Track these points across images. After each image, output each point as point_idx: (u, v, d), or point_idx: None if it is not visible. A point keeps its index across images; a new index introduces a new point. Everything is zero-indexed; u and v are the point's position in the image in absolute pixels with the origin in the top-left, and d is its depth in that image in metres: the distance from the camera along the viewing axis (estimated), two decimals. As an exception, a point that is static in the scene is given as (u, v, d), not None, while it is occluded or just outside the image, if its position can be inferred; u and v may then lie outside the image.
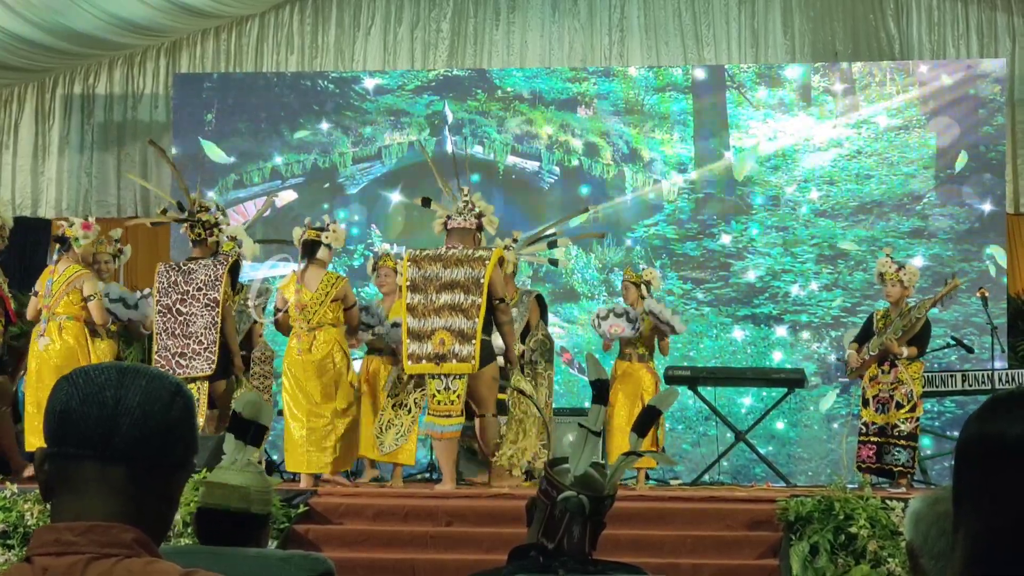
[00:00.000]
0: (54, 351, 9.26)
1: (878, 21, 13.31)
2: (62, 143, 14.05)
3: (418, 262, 8.98)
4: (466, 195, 9.22)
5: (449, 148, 13.14)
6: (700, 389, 11.03)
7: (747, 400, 12.22)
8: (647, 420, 3.52)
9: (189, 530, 6.86)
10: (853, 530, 7.58)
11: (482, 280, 8.83)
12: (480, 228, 9.18)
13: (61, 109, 14.09)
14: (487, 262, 8.88)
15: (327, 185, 13.28)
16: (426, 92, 13.33)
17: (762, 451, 11.27)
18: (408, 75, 13.49)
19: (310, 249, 9.32)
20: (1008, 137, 12.77)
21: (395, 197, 12.97)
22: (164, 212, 9.70)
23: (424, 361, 8.84)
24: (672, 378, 10.89)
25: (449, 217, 9.14)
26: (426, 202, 9.40)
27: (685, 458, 11.84)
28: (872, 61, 13.07)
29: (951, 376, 10.93)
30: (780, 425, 12.26)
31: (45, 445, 1.74)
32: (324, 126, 13.36)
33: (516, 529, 4.52)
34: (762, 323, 12.60)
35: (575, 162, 13.05)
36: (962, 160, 12.48)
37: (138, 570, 1.63)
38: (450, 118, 13.23)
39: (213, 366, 9.14)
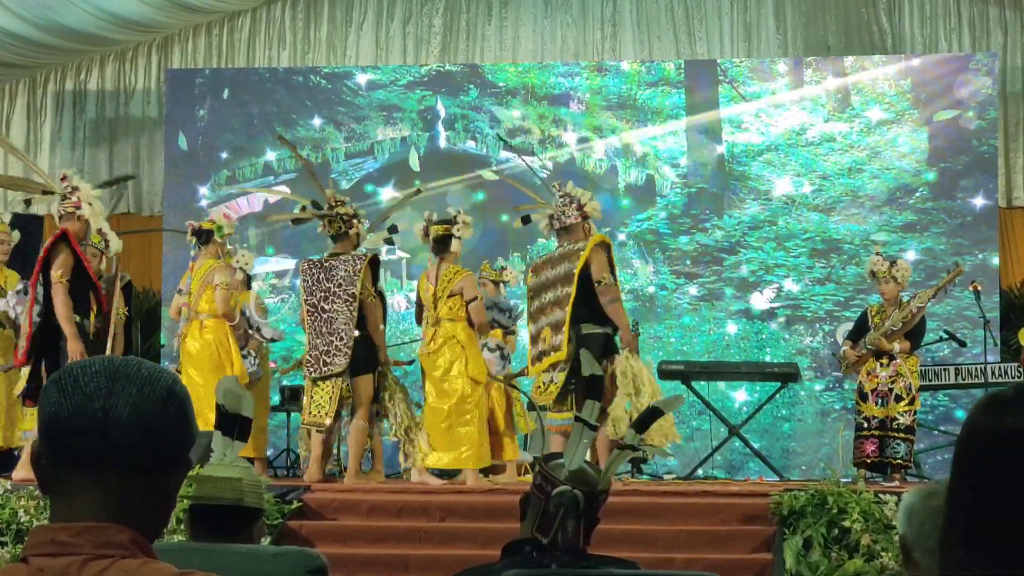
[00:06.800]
0: (194, 350, 9.19)
1: (870, 15, 13.32)
2: (54, 139, 14.03)
3: (536, 270, 9.04)
4: (560, 191, 9.10)
5: (442, 143, 13.14)
6: (693, 383, 11.04)
7: (740, 394, 12.23)
8: (648, 419, 3.52)
9: (182, 527, 6.86)
10: (846, 524, 7.59)
11: (575, 270, 8.75)
12: (586, 217, 9.06)
13: (53, 105, 14.07)
14: (584, 252, 8.78)
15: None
16: (418, 87, 13.32)
17: (756, 445, 11.29)
18: (400, 70, 13.47)
19: (443, 244, 9.27)
20: (1000, 131, 12.78)
21: (387, 193, 12.96)
22: (304, 209, 9.45)
23: (535, 362, 8.84)
24: (666, 372, 10.89)
25: (552, 217, 9.04)
26: (526, 220, 9.29)
27: (678, 453, 11.84)
28: (864, 55, 13.08)
29: (944, 370, 10.95)
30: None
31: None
32: (316, 122, 13.35)
33: (510, 524, 4.51)
34: (755, 317, 12.61)
35: (568, 157, 13.04)
36: (982, 152, 12.52)
37: (134, 570, 1.63)
38: (442, 113, 13.22)
39: (347, 360, 9.04)
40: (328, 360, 9.05)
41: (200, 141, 13.44)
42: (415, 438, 9.30)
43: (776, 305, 12.57)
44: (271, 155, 13.35)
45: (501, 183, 13.00)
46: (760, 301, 12.59)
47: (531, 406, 10.50)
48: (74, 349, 8.28)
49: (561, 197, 9.04)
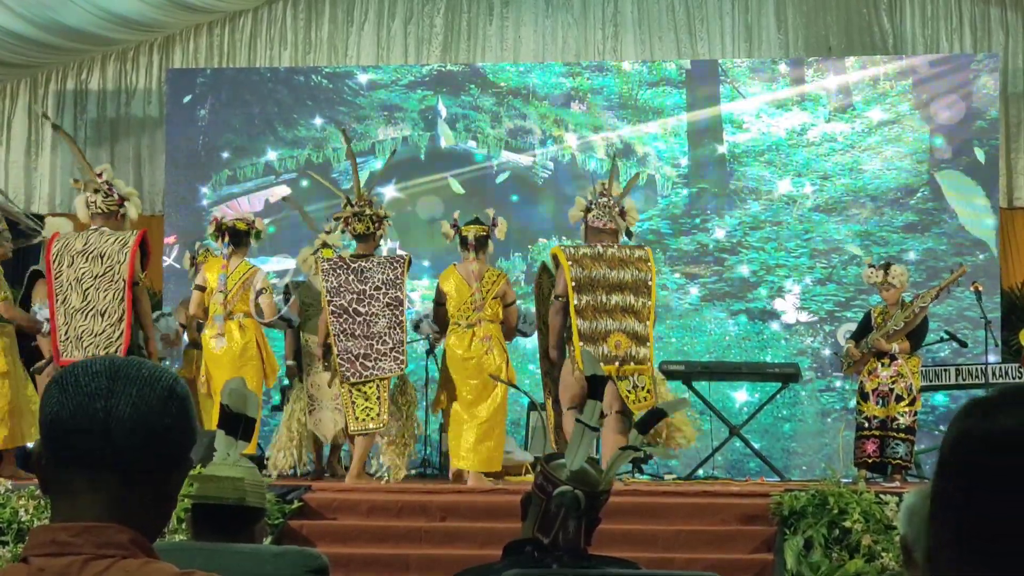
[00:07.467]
0: (236, 349, 9.18)
1: (871, 15, 13.31)
2: (55, 139, 14.01)
3: (580, 261, 8.73)
4: (604, 191, 9.03)
5: (443, 143, 13.14)
6: (694, 384, 11.03)
7: (741, 395, 12.23)
8: (651, 420, 3.52)
9: (184, 526, 6.86)
10: (847, 524, 7.59)
11: (650, 283, 8.76)
12: (627, 231, 9.07)
13: (54, 105, 14.06)
14: (648, 263, 8.83)
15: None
16: (419, 87, 13.32)
17: (756, 446, 11.28)
18: (402, 70, 13.47)
19: (483, 245, 9.26)
20: (1001, 131, 12.78)
21: (389, 192, 12.95)
22: (345, 206, 9.40)
23: (601, 363, 8.39)
24: (667, 373, 10.88)
25: (591, 213, 8.95)
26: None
27: (679, 453, 11.82)
28: (866, 55, 13.08)
29: (944, 370, 10.95)
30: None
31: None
32: (317, 121, 13.35)
33: (511, 524, 4.51)
34: (756, 318, 12.61)
35: (569, 157, 13.04)
36: (980, 155, 12.50)
37: (134, 570, 1.63)
38: (444, 113, 13.22)
39: (403, 366, 9.08)
40: (370, 364, 9.04)
41: (201, 141, 13.44)
42: (408, 448, 9.30)
43: (803, 311, 12.53)
44: (272, 155, 13.35)
45: (503, 177, 13.01)
46: (785, 305, 12.56)
47: (532, 406, 10.51)
48: (155, 350, 8.64)
49: (603, 196, 9.01)
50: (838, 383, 12.26)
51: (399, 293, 9.09)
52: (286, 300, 10.24)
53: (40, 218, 13.37)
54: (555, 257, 8.93)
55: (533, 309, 9.67)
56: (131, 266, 8.54)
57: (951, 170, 12.56)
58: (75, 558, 1.63)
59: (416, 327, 9.86)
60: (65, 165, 13.99)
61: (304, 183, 13.06)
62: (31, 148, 14.09)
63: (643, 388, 8.68)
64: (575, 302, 8.65)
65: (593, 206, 8.96)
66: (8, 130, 14.12)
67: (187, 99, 13.45)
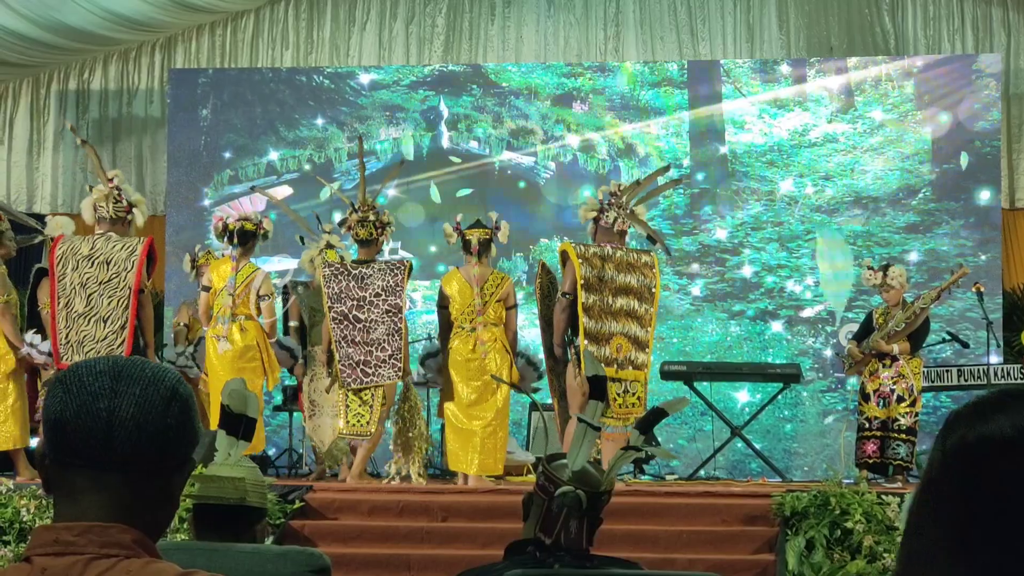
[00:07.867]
0: (236, 352, 9.13)
1: (873, 16, 13.31)
2: (56, 138, 14.03)
3: (589, 260, 8.64)
4: (618, 191, 8.98)
5: (444, 143, 13.15)
6: (696, 384, 11.03)
7: (743, 395, 12.22)
8: (652, 420, 3.52)
9: (185, 525, 6.86)
10: (849, 525, 7.60)
11: (654, 289, 8.75)
12: (650, 237, 9.04)
13: (56, 104, 14.07)
14: (654, 270, 8.82)
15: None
16: (421, 87, 13.32)
17: (758, 446, 11.28)
18: (403, 70, 13.47)
19: (487, 248, 9.27)
20: (1003, 132, 12.77)
21: (390, 192, 12.95)
22: (351, 212, 9.32)
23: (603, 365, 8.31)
24: (668, 373, 10.89)
25: (604, 214, 8.88)
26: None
27: (681, 453, 11.84)
28: (867, 56, 13.07)
29: (946, 371, 10.94)
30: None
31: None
32: (319, 121, 13.34)
33: (512, 524, 4.52)
34: (758, 318, 12.60)
35: (570, 157, 13.03)
36: (964, 159, 12.50)
37: (137, 570, 1.63)
38: (445, 113, 13.22)
39: (400, 373, 9.10)
40: (370, 371, 9.04)
41: (203, 141, 13.44)
42: (416, 454, 9.28)
43: (819, 312, 12.52)
44: (274, 155, 13.35)
45: (505, 178, 13.01)
46: (808, 313, 12.54)
47: (534, 405, 10.52)
48: (153, 358, 8.68)
49: (615, 196, 8.99)
50: (851, 381, 12.23)
51: (398, 300, 9.09)
52: (285, 300, 10.24)
53: (41, 218, 13.37)
54: (563, 253, 8.87)
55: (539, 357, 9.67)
56: (138, 275, 8.56)
57: (953, 171, 12.54)
58: (78, 558, 1.63)
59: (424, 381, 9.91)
60: (67, 165, 14.00)
61: (306, 167, 13.09)
62: (33, 148, 14.09)
63: (633, 394, 8.66)
64: (583, 300, 8.57)
65: (607, 207, 8.93)
66: (10, 130, 14.12)
67: (188, 99, 13.46)
